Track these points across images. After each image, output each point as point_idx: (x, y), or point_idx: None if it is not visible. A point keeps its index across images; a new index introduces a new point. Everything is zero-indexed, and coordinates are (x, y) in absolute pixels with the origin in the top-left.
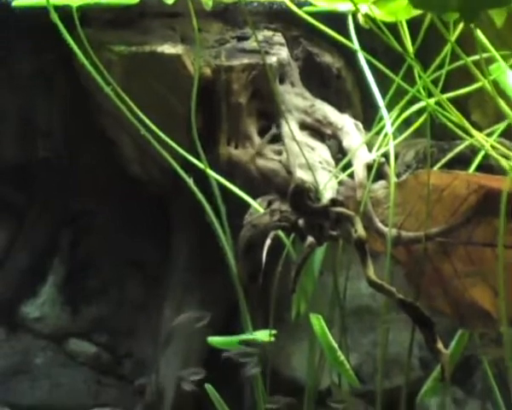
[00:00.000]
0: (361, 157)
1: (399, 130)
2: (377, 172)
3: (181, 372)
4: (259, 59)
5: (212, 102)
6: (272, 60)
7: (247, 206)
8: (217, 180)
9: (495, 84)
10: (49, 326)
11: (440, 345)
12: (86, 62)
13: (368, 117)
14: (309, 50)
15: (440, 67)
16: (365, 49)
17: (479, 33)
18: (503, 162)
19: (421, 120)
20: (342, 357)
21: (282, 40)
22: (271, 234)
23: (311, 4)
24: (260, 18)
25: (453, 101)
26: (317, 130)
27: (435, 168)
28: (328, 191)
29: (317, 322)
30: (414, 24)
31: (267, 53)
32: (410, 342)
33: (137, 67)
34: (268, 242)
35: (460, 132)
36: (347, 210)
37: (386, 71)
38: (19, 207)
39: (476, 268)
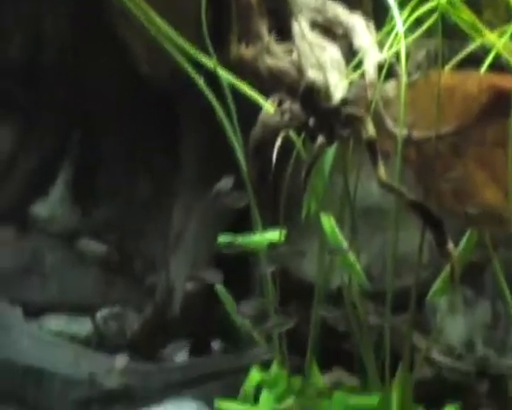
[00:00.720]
0: (372, 57)
1: (410, 29)
2: (388, 71)
3: (191, 272)
4: None
5: (223, 1)
6: None
7: (257, 107)
8: (227, 80)
9: None
10: (59, 226)
11: (450, 245)
12: None
13: (379, 16)
14: None
15: None
16: None
17: None
18: None
19: (432, 19)
20: (352, 257)
21: None
22: (282, 134)
23: None
24: None
25: (465, 0)
26: (328, 29)
27: (446, 68)
28: (338, 91)
29: (328, 222)
30: None
31: None
32: (420, 241)
33: None
34: (278, 141)
35: (471, 32)
36: (358, 110)
37: None
38: (28, 108)
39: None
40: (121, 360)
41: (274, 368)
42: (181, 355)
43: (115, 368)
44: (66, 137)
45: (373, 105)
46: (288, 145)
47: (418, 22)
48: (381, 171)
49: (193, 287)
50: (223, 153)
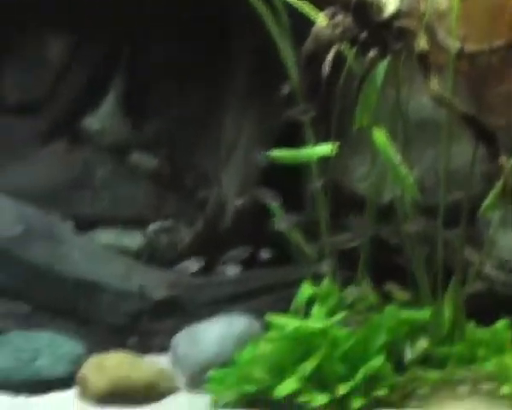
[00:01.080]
0: None
1: None
2: None
3: (242, 186)
4: None
5: None
6: None
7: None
8: None
9: None
10: (110, 139)
11: (503, 159)
12: None
13: None
14: None
15: None
16: None
17: None
18: None
19: None
20: (405, 170)
21: None
22: (334, 47)
23: None
24: None
25: None
26: None
27: None
28: (391, 4)
29: (380, 135)
30: None
31: None
32: (473, 155)
33: None
34: (330, 55)
35: None
36: (410, 23)
37: None
38: (80, 21)
39: None
40: (193, 265)
41: (325, 282)
42: (232, 269)
43: (167, 281)
44: (117, 50)
45: (425, 18)
46: (340, 59)
47: None
48: (433, 84)
49: (244, 201)
50: (274, 65)
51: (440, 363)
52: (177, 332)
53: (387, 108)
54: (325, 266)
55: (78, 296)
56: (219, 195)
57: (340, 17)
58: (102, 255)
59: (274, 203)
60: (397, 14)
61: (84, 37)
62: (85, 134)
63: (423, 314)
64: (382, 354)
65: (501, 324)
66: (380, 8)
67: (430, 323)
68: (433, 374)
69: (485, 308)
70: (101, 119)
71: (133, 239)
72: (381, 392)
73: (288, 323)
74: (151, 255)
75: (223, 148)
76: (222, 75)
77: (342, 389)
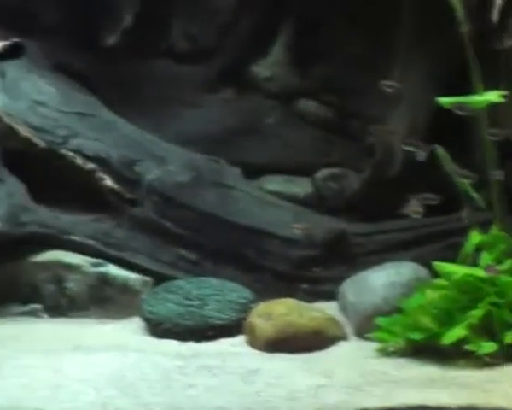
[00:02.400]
0: None
1: None
2: None
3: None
4: None
5: None
6: None
7: None
8: None
9: None
10: (279, 86)
11: None
12: None
13: None
14: None
15: None
16: None
17: None
18: None
19: None
20: None
21: None
22: None
23: None
24: None
25: None
26: None
27: None
28: None
29: None
30: None
31: None
32: None
33: None
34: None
35: None
36: None
37: None
38: None
39: None
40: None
41: (493, 230)
42: (399, 216)
43: (334, 228)
44: None
45: None
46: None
47: None
48: None
49: (412, 147)
50: (438, 9)
51: None
52: (345, 279)
53: None
54: (492, 214)
55: (246, 243)
56: (387, 140)
57: None
58: (270, 202)
59: (441, 150)
60: None
61: None
62: (254, 81)
63: None
64: None
65: None
66: None
67: None
68: None
69: None
70: (270, 66)
71: (301, 186)
72: None
73: (455, 270)
74: (319, 202)
75: (390, 93)
76: (389, 20)
77: (510, 338)
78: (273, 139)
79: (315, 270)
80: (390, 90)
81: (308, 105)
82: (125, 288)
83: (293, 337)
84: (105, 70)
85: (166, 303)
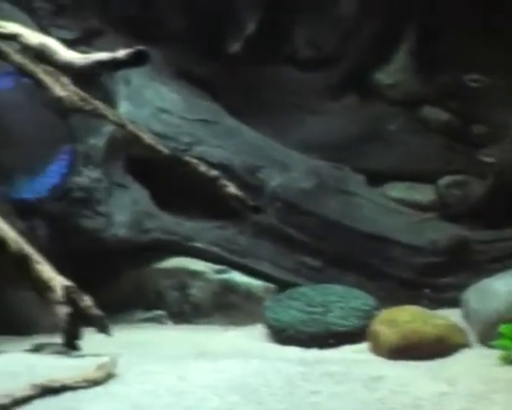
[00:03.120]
0: None
1: None
2: None
3: None
4: None
5: None
6: None
7: None
8: None
9: None
10: (402, 93)
11: None
12: None
13: None
14: None
15: None
16: None
17: None
18: None
19: None
20: None
21: None
22: None
23: None
24: None
25: None
26: None
27: None
28: None
29: None
30: None
31: None
32: None
33: None
34: None
35: None
36: None
37: None
38: None
39: None
40: None
41: None
42: None
43: (457, 235)
44: (408, 3)
45: None
46: None
47: None
48: None
49: None
50: None
51: None
52: (467, 286)
53: None
54: None
55: (370, 250)
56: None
57: None
58: (393, 209)
59: None
60: None
61: None
62: (377, 88)
63: None
64: None
65: None
66: None
67: None
68: None
69: None
70: (393, 73)
71: (423, 193)
72: None
73: None
74: (442, 209)
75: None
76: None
77: None
78: (396, 146)
79: (426, 291)
80: (475, 84)
81: (431, 112)
82: (248, 295)
83: (417, 344)
84: (228, 77)
85: (290, 310)
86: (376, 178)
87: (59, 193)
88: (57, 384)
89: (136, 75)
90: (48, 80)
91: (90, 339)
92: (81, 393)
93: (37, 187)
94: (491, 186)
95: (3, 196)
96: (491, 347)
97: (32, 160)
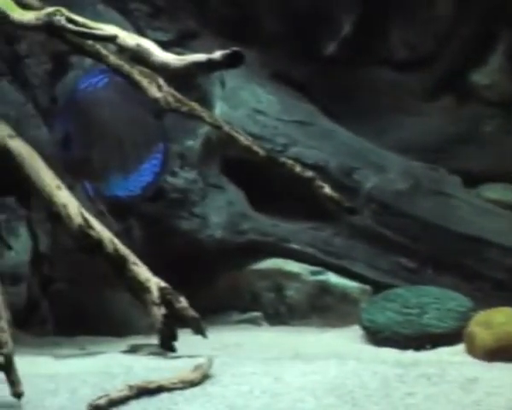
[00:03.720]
0: None
1: None
2: None
3: None
4: None
5: None
6: None
7: None
8: None
9: None
10: (498, 94)
11: None
12: None
13: None
14: None
15: None
16: None
17: None
18: None
19: None
20: None
21: None
22: None
23: None
24: None
25: None
26: None
27: None
28: None
29: None
30: None
31: None
32: None
33: None
34: None
35: None
36: None
37: None
38: None
39: None
40: None
41: None
42: None
43: None
44: (504, 5)
45: None
46: None
47: None
48: None
49: None
50: None
51: None
52: None
53: None
54: None
55: (466, 252)
56: None
57: None
58: (489, 210)
59: None
60: None
61: None
62: (473, 89)
63: None
64: None
65: None
66: None
67: None
68: None
69: None
70: (489, 74)
71: None
72: None
73: None
74: None
75: None
76: None
77: None
78: (492, 147)
79: None
80: None
81: None
82: (344, 296)
83: None
84: (324, 79)
85: (385, 312)
86: (472, 180)
87: (152, 192)
88: (153, 385)
89: (232, 76)
90: (144, 82)
91: (185, 340)
92: (177, 394)
93: (130, 185)
94: None
95: (97, 194)
96: None
97: (126, 158)
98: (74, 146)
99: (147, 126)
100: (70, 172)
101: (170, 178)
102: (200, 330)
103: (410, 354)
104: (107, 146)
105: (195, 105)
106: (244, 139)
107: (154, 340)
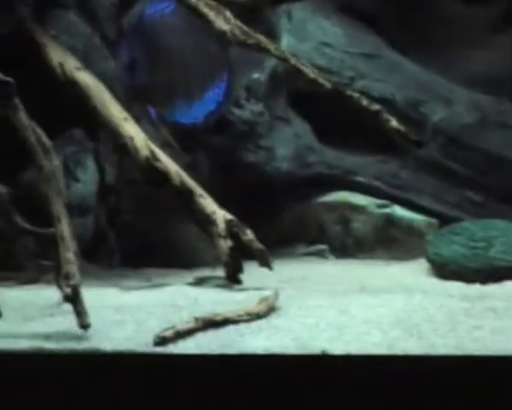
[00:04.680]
0: None
1: None
2: None
3: None
4: None
5: None
6: None
7: None
8: None
9: None
10: None
11: None
12: None
13: None
14: None
15: None
16: None
17: None
18: None
19: None
20: None
21: None
22: None
23: None
24: None
25: None
26: None
27: None
28: None
29: None
30: None
31: None
32: None
33: None
34: None
35: None
36: None
37: None
38: None
39: None
40: None
41: None
42: None
43: None
44: None
45: None
46: None
47: None
48: None
49: None
50: None
51: None
52: None
53: None
54: None
55: None
56: None
57: None
58: None
59: None
60: None
61: None
62: None
63: None
64: None
65: None
66: None
67: None
68: None
69: None
70: None
71: None
72: None
73: None
74: None
75: None
76: None
77: None
78: None
79: None
80: None
81: None
82: (410, 229)
83: None
84: (391, 11)
85: (452, 245)
86: None
87: (214, 121)
88: (219, 318)
89: (299, 9)
90: (211, 14)
91: (251, 273)
92: (243, 327)
93: (193, 113)
94: None
95: (160, 119)
96: None
97: (190, 85)
98: (139, 70)
99: (211, 55)
100: (134, 97)
101: (236, 111)
102: (266, 263)
103: (476, 288)
104: (172, 72)
105: (262, 38)
106: (310, 72)
107: (220, 272)
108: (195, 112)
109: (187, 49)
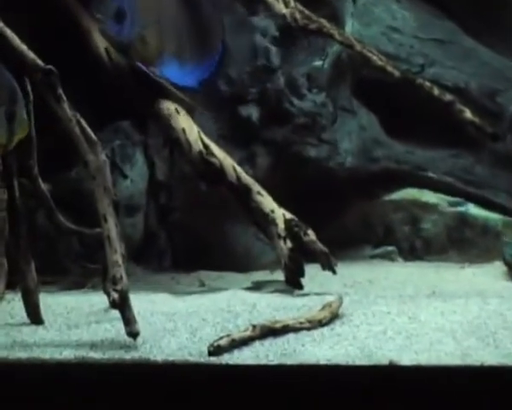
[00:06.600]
0: None
1: None
2: None
3: None
4: None
5: None
6: None
7: None
8: None
9: None
10: None
11: None
12: None
13: None
14: None
15: None
16: None
17: None
18: None
19: None
20: None
21: None
22: None
23: None
24: None
25: None
26: None
27: None
28: None
29: None
30: None
31: None
32: None
33: None
34: None
35: None
36: None
37: None
38: None
39: None
40: None
41: None
42: None
43: None
44: None
45: None
46: None
47: None
48: None
49: None
50: None
51: None
52: None
53: None
54: None
55: None
56: None
57: None
58: None
59: None
60: None
61: None
62: None
63: None
64: None
65: None
66: None
67: None
68: None
69: None
70: None
71: None
72: None
73: None
74: None
75: None
76: None
77: None
78: None
79: None
80: None
81: None
82: (485, 229)
83: None
84: None
85: None
86: None
87: (206, 90)
88: (279, 325)
89: None
90: None
91: (313, 277)
92: (304, 335)
93: (185, 76)
94: None
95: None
96: None
97: (183, 46)
98: (127, 22)
99: (208, 24)
100: (121, 50)
101: (297, 101)
102: (329, 266)
103: None
104: (165, 29)
105: (325, 22)
106: (378, 59)
107: (280, 276)
108: (187, 76)
109: (184, 10)
